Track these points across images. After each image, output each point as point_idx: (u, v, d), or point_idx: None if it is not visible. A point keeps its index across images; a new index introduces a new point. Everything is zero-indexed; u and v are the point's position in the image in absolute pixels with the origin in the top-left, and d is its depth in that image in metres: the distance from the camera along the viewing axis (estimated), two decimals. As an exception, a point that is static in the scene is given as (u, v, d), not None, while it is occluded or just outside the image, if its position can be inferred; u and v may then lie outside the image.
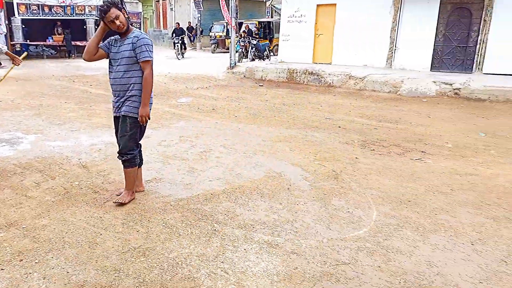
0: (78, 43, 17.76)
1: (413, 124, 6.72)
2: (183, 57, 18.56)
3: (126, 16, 3.17)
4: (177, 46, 18.33)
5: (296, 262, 2.64)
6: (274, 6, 26.36)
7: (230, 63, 13.73)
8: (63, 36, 17.70)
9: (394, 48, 11.74)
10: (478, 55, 10.53)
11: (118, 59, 3.21)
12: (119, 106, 3.30)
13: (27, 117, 6.62)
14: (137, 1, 32.66)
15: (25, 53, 4.70)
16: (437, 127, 6.54)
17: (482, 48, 10.44)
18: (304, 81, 11.32)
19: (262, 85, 11.09)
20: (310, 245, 2.85)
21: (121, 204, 3.36)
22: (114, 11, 3.05)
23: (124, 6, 3.19)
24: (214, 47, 22.19)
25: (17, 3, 16.46)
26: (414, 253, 2.78)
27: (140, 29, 17.33)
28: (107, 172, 4.18)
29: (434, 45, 11.10)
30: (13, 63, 4.45)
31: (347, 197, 3.72)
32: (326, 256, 2.71)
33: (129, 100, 3.25)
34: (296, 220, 3.24)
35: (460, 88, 8.84)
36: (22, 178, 3.93)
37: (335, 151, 5.13)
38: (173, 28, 19.78)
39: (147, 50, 3.17)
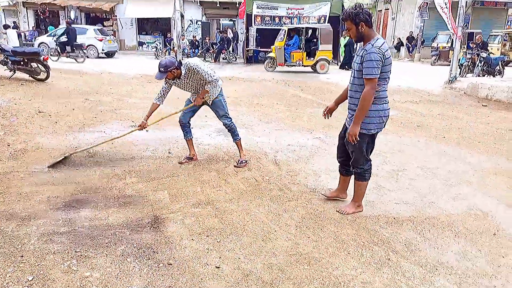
0: (298, 50, 19.27)
1: None
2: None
3: (362, 28, 2.98)
4: None
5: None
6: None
7: (450, 77, 12.23)
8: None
9: None
10: None
11: (354, 70, 3.13)
12: (351, 118, 3.17)
13: (244, 113, 7.61)
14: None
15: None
16: None
17: None
18: (548, 105, 9.01)
19: (485, 105, 9.42)
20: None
21: (343, 213, 3.36)
22: (347, 24, 3.02)
23: (362, 19, 2.99)
24: (435, 59, 20.26)
25: (254, 14, 19.20)
26: None
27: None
28: (296, 173, 4.36)
29: None
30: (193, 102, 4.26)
31: None
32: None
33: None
34: (497, 277, 2.58)
35: None
36: (226, 165, 4.53)
37: None
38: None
39: (372, 67, 2.91)
